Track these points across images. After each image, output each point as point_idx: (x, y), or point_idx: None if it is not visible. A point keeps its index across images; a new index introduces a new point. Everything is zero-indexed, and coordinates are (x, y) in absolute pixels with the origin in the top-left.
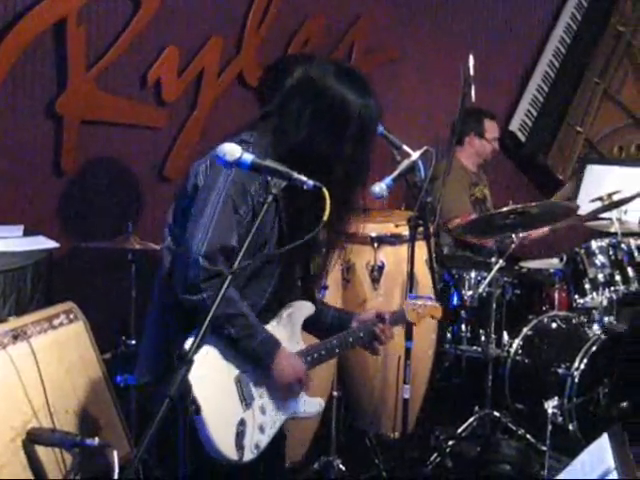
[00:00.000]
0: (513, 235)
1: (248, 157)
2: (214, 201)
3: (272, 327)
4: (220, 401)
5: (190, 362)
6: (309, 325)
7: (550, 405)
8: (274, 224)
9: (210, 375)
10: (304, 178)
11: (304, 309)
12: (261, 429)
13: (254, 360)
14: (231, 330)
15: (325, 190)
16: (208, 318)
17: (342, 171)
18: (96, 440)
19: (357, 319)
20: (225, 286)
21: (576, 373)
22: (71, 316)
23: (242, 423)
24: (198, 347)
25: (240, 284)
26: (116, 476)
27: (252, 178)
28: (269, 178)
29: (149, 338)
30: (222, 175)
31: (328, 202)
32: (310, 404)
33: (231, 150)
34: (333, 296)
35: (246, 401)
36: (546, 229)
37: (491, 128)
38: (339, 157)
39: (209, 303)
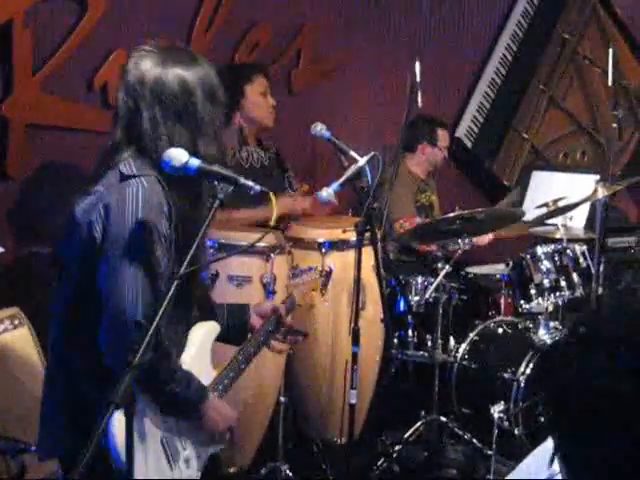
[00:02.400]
0: (459, 241)
1: (194, 162)
2: (132, 254)
3: (186, 365)
4: (152, 469)
5: (136, 368)
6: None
7: (496, 410)
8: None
9: (139, 447)
10: (251, 183)
11: (210, 333)
12: None
13: (183, 412)
14: (174, 387)
15: (272, 194)
16: (159, 315)
17: (216, 149)
18: None
19: (255, 311)
20: (170, 293)
21: (522, 378)
22: (16, 322)
23: None
24: (144, 354)
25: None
26: None
27: (160, 212)
28: (216, 183)
29: (52, 406)
30: (129, 224)
31: (275, 205)
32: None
33: (178, 155)
34: (281, 301)
35: (173, 459)
36: (491, 236)
37: (443, 137)
38: (208, 135)
39: (155, 362)
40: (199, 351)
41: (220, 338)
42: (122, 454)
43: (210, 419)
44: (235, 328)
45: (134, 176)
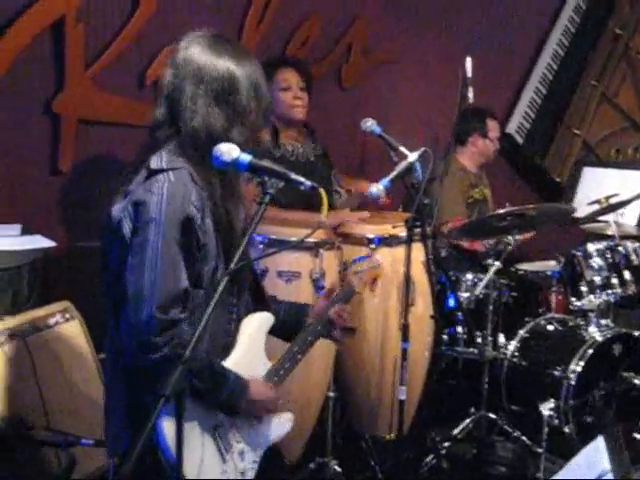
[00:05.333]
0: (510, 237)
1: (246, 157)
2: (153, 245)
3: (234, 360)
4: (203, 463)
5: (186, 362)
6: None
7: (546, 407)
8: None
9: (190, 441)
10: (301, 179)
11: (264, 324)
12: (242, 474)
13: (225, 408)
14: (199, 384)
15: (322, 190)
16: (205, 318)
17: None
18: (91, 440)
19: (312, 312)
20: (220, 289)
21: (572, 375)
22: (67, 315)
23: (224, 474)
24: (195, 346)
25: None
26: (111, 476)
27: (185, 203)
28: (266, 178)
29: (113, 403)
30: (154, 214)
31: (325, 202)
32: (280, 425)
33: (228, 150)
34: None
35: (225, 451)
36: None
37: (493, 127)
38: (244, 125)
39: (173, 358)
40: (250, 343)
41: (276, 333)
42: (172, 448)
43: (252, 408)
44: (292, 328)
45: (162, 170)
